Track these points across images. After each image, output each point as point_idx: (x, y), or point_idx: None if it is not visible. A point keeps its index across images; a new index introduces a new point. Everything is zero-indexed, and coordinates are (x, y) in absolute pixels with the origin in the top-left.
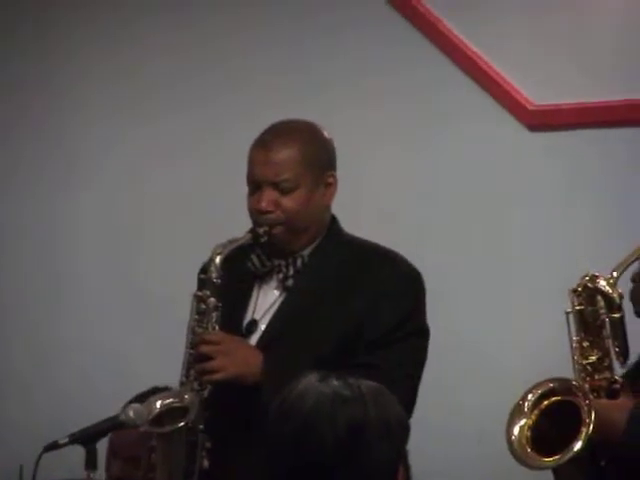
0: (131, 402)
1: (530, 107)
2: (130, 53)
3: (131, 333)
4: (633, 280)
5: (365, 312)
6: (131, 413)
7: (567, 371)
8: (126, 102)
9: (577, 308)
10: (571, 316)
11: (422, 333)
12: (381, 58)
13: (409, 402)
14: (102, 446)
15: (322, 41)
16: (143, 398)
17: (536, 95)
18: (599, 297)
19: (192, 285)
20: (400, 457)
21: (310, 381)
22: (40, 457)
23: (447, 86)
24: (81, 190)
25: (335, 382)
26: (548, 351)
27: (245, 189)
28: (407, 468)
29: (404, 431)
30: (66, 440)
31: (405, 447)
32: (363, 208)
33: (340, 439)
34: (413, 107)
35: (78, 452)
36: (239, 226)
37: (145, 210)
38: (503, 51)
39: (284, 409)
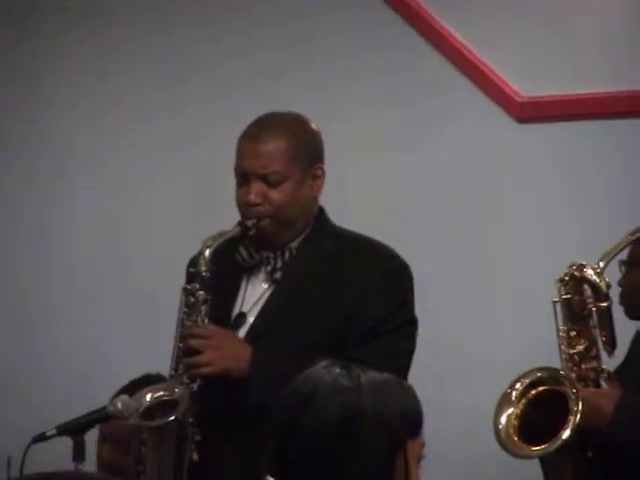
0: (123, 390)
1: (518, 99)
2: (125, 51)
3: (123, 328)
4: (619, 284)
5: (354, 304)
6: (119, 405)
7: (558, 362)
8: (122, 98)
9: (564, 297)
10: (558, 305)
11: (411, 324)
12: (368, 52)
13: None
14: (92, 434)
15: (315, 41)
16: (135, 386)
17: (524, 87)
18: (586, 286)
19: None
20: (396, 451)
21: (317, 367)
22: (28, 449)
23: (435, 79)
24: (73, 188)
25: (337, 370)
26: (540, 344)
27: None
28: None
29: (410, 425)
30: (54, 432)
31: (404, 441)
32: (354, 205)
33: (329, 429)
34: (400, 101)
35: (66, 444)
36: (231, 222)
37: (137, 208)
38: (491, 43)
39: (287, 392)
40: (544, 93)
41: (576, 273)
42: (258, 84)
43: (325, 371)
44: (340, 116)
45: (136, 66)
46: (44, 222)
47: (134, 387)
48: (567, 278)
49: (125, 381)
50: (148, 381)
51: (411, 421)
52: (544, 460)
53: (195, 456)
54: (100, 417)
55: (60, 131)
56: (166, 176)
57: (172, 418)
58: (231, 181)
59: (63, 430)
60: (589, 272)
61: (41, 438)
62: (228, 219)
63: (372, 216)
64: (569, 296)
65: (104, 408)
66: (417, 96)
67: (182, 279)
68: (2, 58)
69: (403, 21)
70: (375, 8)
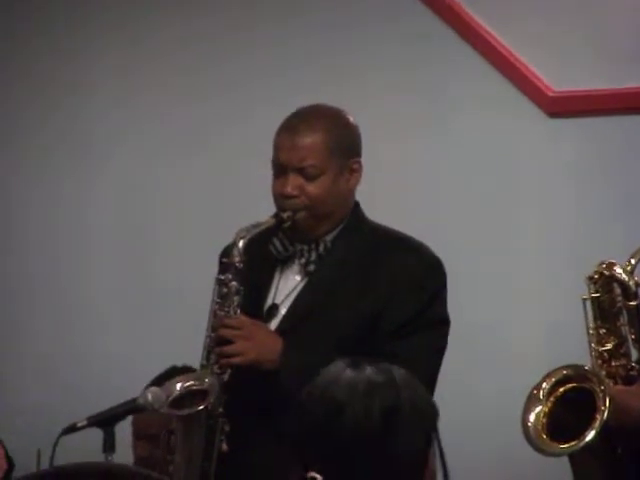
0: (152, 384)
1: (550, 93)
2: (146, 39)
3: (142, 325)
4: None
5: (386, 300)
6: (149, 397)
7: (584, 356)
8: (141, 88)
9: (593, 295)
10: (588, 303)
11: (443, 322)
12: (397, 42)
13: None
14: (127, 427)
15: (337, 30)
16: (162, 379)
17: (556, 81)
18: (615, 284)
19: (204, 277)
20: (431, 439)
21: (341, 367)
22: (58, 440)
23: (466, 72)
24: (93, 180)
25: (368, 368)
26: (564, 337)
27: (260, 178)
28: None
29: (434, 415)
30: (84, 423)
31: (435, 431)
32: (379, 195)
33: (375, 425)
34: (431, 93)
35: (96, 435)
36: (254, 216)
37: (157, 204)
38: (523, 37)
39: (316, 395)
40: (576, 88)
41: (605, 271)
42: (279, 75)
43: (354, 370)
44: (364, 105)
45: (159, 54)
46: (63, 212)
47: (162, 381)
48: (596, 276)
49: (147, 377)
50: (175, 374)
51: (435, 411)
52: (572, 457)
53: (224, 446)
54: (130, 409)
55: (82, 117)
56: (188, 171)
57: (201, 407)
58: (260, 174)
59: (93, 421)
60: (618, 271)
61: (71, 429)
62: (253, 213)
63: (396, 209)
64: (598, 294)
65: (134, 400)
66: (447, 89)
67: (205, 272)
68: (23, 43)
69: (434, 14)
70: (408, 4)
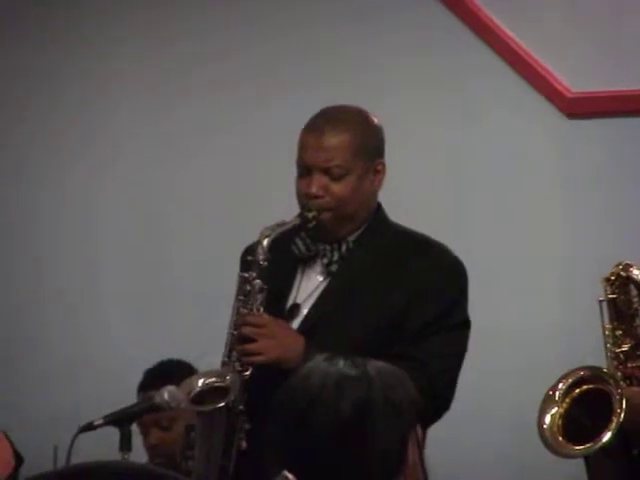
0: (144, 380)
1: (569, 95)
2: (163, 29)
3: (157, 324)
4: None
5: (408, 301)
6: (166, 395)
7: (601, 359)
8: (156, 80)
9: (610, 297)
10: (604, 305)
11: (463, 325)
12: (418, 45)
13: (447, 394)
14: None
15: (358, 25)
16: (154, 373)
17: (575, 82)
18: (632, 286)
19: (218, 273)
20: (407, 439)
21: (316, 362)
22: (75, 438)
23: (485, 74)
24: (105, 170)
25: (341, 362)
26: (582, 339)
27: (276, 175)
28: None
29: (415, 413)
30: (101, 422)
31: (414, 428)
32: (398, 195)
33: (344, 418)
34: (451, 94)
35: (113, 434)
36: (270, 209)
37: (170, 198)
38: (542, 38)
39: (289, 391)
40: (594, 89)
41: (622, 273)
42: (292, 68)
43: (327, 363)
44: (380, 103)
45: (176, 44)
46: (69, 206)
47: (152, 375)
48: (613, 277)
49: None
50: (166, 368)
51: (418, 409)
52: (588, 459)
53: (244, 444)
54: (147, 407)
55: (92, 111)
56: (203, 163)
57: (222, 404)
58: (276, 171)
59: (110, 420)
60: (635, 272)
61: (88, 428)
62: (268, 207)
63: (415, 209)
64: (615, 296)
65: (151, 398)
66: (466, 90)
67: (219, 271)
68: (35, 34)
69: (453, 15)
70: (428, 5)
